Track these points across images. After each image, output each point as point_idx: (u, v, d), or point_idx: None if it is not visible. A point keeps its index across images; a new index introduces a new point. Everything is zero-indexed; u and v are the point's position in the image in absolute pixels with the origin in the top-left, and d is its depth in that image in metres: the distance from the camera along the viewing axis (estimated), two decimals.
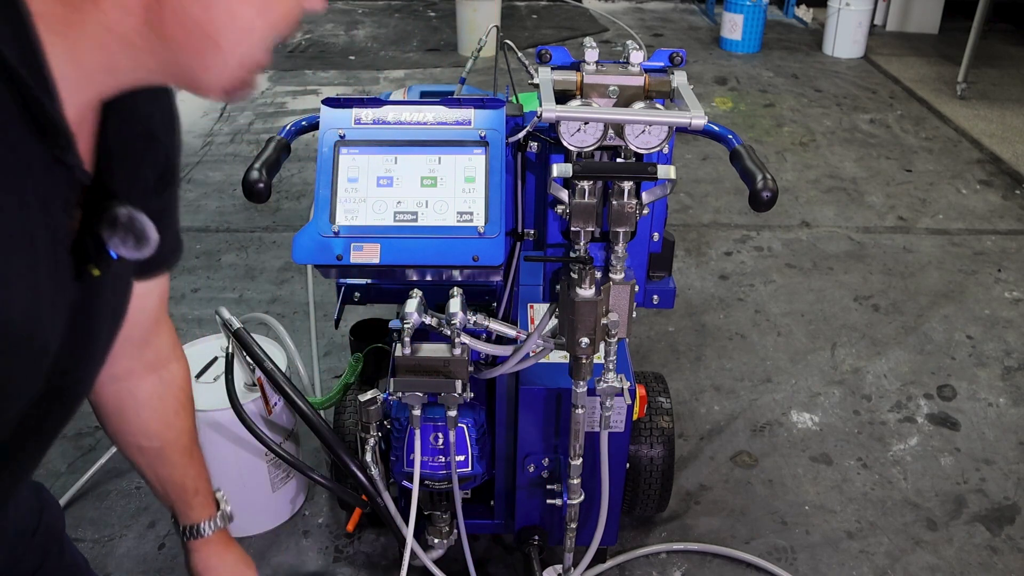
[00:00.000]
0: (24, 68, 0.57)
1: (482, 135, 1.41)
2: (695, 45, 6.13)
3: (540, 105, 1.38)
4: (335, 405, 1.99)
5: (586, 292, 1.37)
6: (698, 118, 1.35)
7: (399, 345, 1.43)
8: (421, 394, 1.47)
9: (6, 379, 0.65)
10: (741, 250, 3.43)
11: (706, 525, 2.15)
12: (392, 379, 1.46)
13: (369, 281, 1.83)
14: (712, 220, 3.66)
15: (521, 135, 1.53)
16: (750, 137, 4.51)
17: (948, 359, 2.81)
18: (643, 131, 1.42)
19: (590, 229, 1.50)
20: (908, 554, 2.10)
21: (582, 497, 1.67)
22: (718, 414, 2.54)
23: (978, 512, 2.22)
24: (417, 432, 1.55)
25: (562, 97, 1.46)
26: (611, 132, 1.47)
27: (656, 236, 1.72)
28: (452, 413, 1.51)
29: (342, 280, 1.84)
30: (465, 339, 1.43)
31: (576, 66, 1.55)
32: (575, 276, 1.37)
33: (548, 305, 1.48)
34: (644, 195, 1.47)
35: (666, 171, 1.39)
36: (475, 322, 1.41)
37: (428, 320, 1.41)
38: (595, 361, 1.49)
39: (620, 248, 1.46)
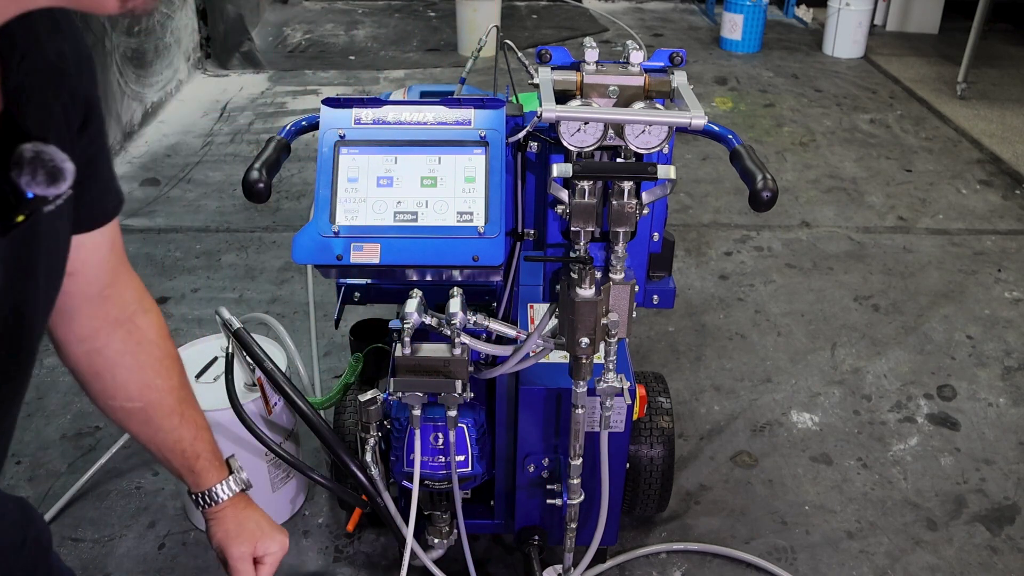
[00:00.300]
0: None
1: (482, 135, 1.41)
2: (695, 45, 6.13)
3: (540, 105, 1.38)
4: (335, 405, 1.99)
5: (586, 292, 1.37)
6: (698, 118, 1.35)
7: (399, 345, 1.43)
8: (421, 394, 1.47)
9: None
10: (741, 250, 3.43)
11: (706, 525, 2.15)
12: (392, 379, 1.46)
13: (369, 281, 1.83)
14: (712, 220, 3.66)
15: (521, 135, 1.53)
16: (750, 137, 4.51)
17: (948, 359, 2.81)
18: (643, 131, 1.42)
19: (590, 229, 1.50)
20: (908, 554, 2.10)
21: (582, 497, 1.67)
22: (718, 414, 2.54)
23: (978, 512, 2.22)
24: (417, 432, 1.55)
25: (562, 97, 1.46)
26: (611, 132, 1.47)
27: (656, 236, 1.72)
28: (452, 413, 1.52)
29: (342, 280, 1.83)
30: (465, 339, 1.43)
31: (576, 66, 1.55)
32: (575, 276, 1.37)
33: (548, 305, 1.48)
34: (644, 195, 1.47)
35: (666, 171, 1.39)
36: (475, 322, 1.41)
37: (428, 320, 1.41)
38: (595, 361, 1.49)
39: (620, 248, 1.46)
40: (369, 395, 1.55)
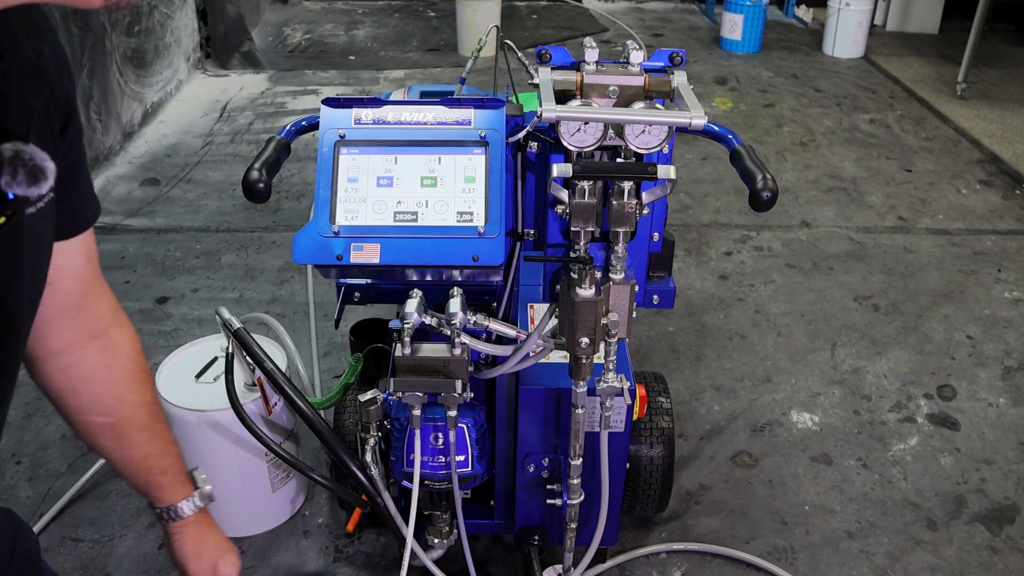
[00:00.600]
0: None
1: (482, 135, 1.41)
2: (695, 45, 6.13)
3: (540, 105, 1.38)
4: (335, 405, 1.99)
5: (586, 292, 1.37)
6: (698, 118, 1.35)
7: (399, 345, 1.43)
8: (421, 394, 1.47)
9: None
10: (741, 250, 3.43)
11: (706, 525, 2.15)
12: (392, 379, 1.46)
13: (369, 281, 1.83)
14: (712, 220, 3.66)
15: (521, 135, 1.53)
16: (750, 137, 4.51)
17: (948, 359, 2.81)
18: (643, 131, 1.42)
19: (590, 229, 1.50)
20: (908, 554, 2.09)
21: (582, 497, 1.67)
22: (718, 414, 2.54)
23: (978, 512, 2.22)
24: (417, 432, 1.55)
25: (562, 97, 1.46)
26: (611, 132, 1.47)
27: (656, 236, 1.72)
28: (452, 413, 1.52)
29: (342, 280, 1.83)
30: (465, 339, 1.43)
31: (576, 66, 1.55)
32: (575, 276, 1.37)
33: (548, 305, 1.48)
34: (644, 195, 1.47)
35: (666, 171, 1.39)
36: (475, 322, 1.41)
37: (428, 320, 1.41)
38: (595, 361, 1.49)
39: (620, 248, 1.46)
40: (369, 395, 1.55)
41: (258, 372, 1.69)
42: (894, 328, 2.95)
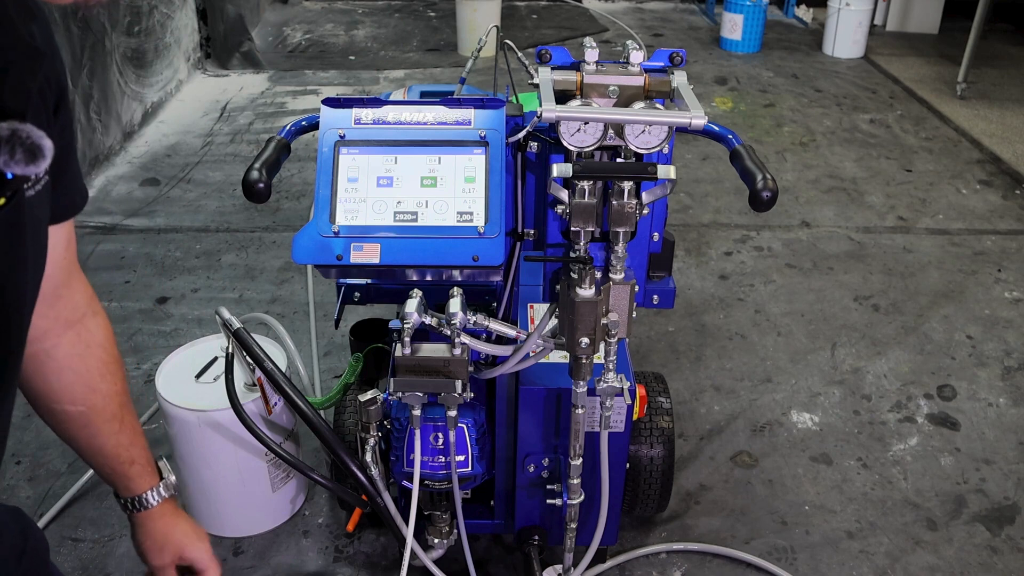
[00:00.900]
0: None
1: (482, 135, 1.41)
2: (695, 45, 6.13)
3: (540, 105, 1.38)
4: (335, 405, 1.99)
5: (586, 292, 1.37)
6: (698, 118, 1.35)
7: (399, 345, 1.43)
8: (421, 394, 1.47)
9: None
10: (741, 250, 3.43)
11: (706, 525, 2.15)
12: (392, 379, 1.46)
13: (369, 281, 1.83)
14: (712, 220, 3.66)
15: (521, 135, 1.53)
16: (750, 137, 4.51)
17: (948, 359, 2.81)
18: (643, 131, 1.42)
19: (590, 229, 1.50)
20: (908, 554, 2.10)
21: (582, 497, 1.67)
22: (718, 414, 2.54)
23: (978, 512, 2.22)
24: (417, 432, 1.55)
25: (562, 97, 1.46)
26: (611, 132, 1.47)
27: (656, 236, 1.72)
28: (452, 413, 1.52)
29: (342, 280, 1.84)
30: (465, 339, 1.43)
31: (576, 66, 1.55)
32: (575, 276, 1.37)
33: (548, 305, 1.48)
34: (644, 195, 1.47)
35: (666, 171, 1.39)
36: (475, 322, 1.41)
37: (428, 320, 1.41)
38: (595, 361, 1.49)
39: (620, 248, 1.46)
40: (369, 395, 1.55)
41: (258, 372, 1.69)
42: (894, 328, 2.95)
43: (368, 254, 1.36)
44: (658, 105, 1.48)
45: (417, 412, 1.51)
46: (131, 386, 1.69)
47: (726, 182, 3.96)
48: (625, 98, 1.50)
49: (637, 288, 1.46)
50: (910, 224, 3.67)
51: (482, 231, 1.37)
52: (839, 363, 2.78)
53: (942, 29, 6.37)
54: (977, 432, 2.49)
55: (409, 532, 1.52)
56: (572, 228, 1.50)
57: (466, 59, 2.40)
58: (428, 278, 1.47)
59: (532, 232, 1.69)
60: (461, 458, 1.62)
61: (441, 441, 1.60)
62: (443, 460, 1.62)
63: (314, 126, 1.60)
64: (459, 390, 1.46)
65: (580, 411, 1.53)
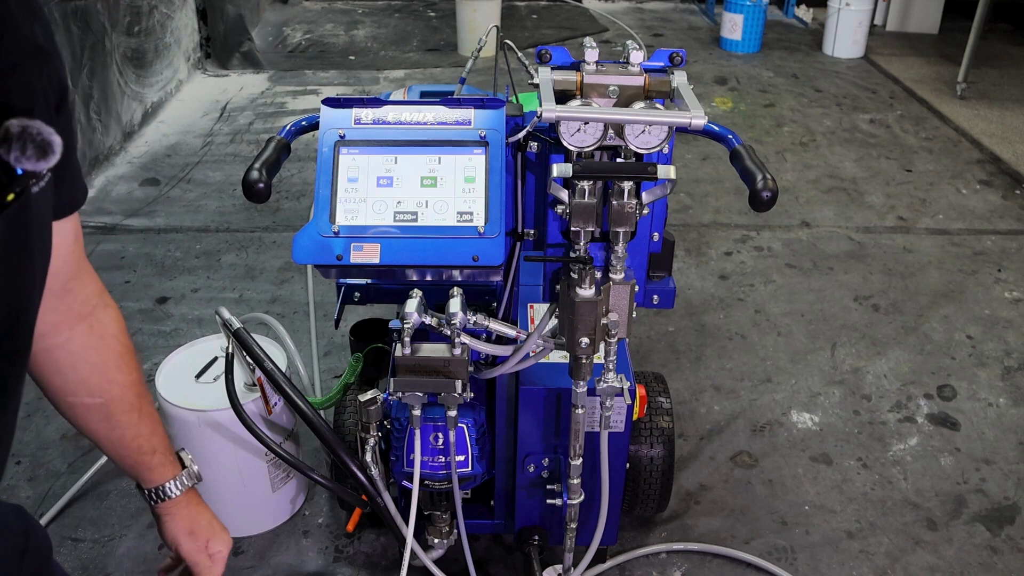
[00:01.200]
0: None
1: (482, 135, 1.41)
2: (695, 45, 6.13)
3: (540, 105, 1.38)
4: (335, 405, 1.99)
5: (586, 292, 1.37)
6: (698, 118, 1.35)
7: (399, 345, 1.43)
8: (421, 394, 1.47)
9: None
10: (741, 250, 3.43)
11: (706, 525, 2.15)
12: (392, 379, 1.46)
13: (369, 281, 1.83)
14: (712, 220, 3.66)
15: (521, 135, 1.53)
16: (750, 137, 4.51)
17: (948, 359, 2.81)
18: (643, 131, 1.42)
19: (590, 229, 1.50)
20: (908, 554, 2.10)
21: (582, 497, 1.67)
22: (718, 414, 2.54)
23: (978, 512, 2.22)
24: (417, 432, 1.55)
25: (562, 97, 1.46)
26: (611, 132, 1.47)
27: (656, 236, 1.72)
28: (452, 413, 1.52)
29: (342, 280, 1.84)
30: (465, 339, 1.43)
31: (576, 66, 1.55)
32: (575, 276, 1.37)
33: (548, 305, 1.48)
34: (644, 195, 1.47)
35: (666, 171, 1.39)
36: (475, 322, 1.41)
37: (428, 320, 1.41)
38: (595, 361, 1.49)
39: (620, 248, 1.46)
40: (369, 395, 1.55)
41: (258, 372, 1.69)
42: (894, 328, 2.95)
43: (368, 254, 1.36)
44: (658, 105, 1.48)
45: (417, 412, 1.51)
46: None
47: (726, 182, 3.96)
48: (625, 98, 1.50)
49: (637, 288, 1.46)
50: (910, 224, 3.67)
51: (482, 231, 1.37)
52: (839, 363, 2.78)
53: (942, 29, 6.37)
54: (977, 432, 2.49)
55: (409, 532, 1.52)
56: (572, 228, 1.50)
57: (466, 59, 2.40)
58: (428, 278, 1.47)
59: (532, 232, 1.69)
60: (461, 458, 1.62)
61: (441, 441, 1.60)
62: (443, 460, 1.62)
63: (314, 126, 1.60)
64: (459, 390, 1.46)
65: (580, 411, 1.53)
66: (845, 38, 5.83)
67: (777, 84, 5.35)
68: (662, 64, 1.56)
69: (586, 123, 1.43)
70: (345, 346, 2.71)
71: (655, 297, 1.85)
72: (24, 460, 2.30)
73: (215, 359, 2.04)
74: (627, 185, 1.44)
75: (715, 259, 3.36)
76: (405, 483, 1.62)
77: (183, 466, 1.19)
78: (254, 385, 1.90)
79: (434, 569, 1.75)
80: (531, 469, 1.74)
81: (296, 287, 3.12)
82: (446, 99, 1.44)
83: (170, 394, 1.93)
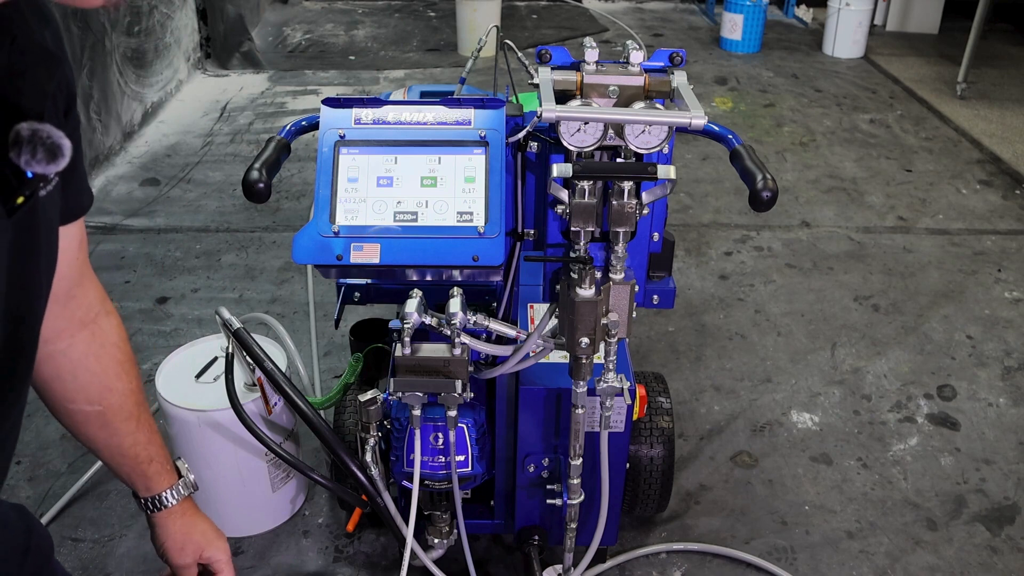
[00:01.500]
0: None
1: (482, 135, 1.41)
2: (695, 45, 6.13)
3: (540, 105, 1.38)
4: (335, 405, 1.99)
5: (586, 292, 1.37)
6: (698, 118, 1.35)
7: (399, 345, 1.43)
8: (421, 394, 1.47)
9: None
10: (741, 250, 3.43)
11: (706, 525, 2.15)
12: (392, 379, 1.46)
13: (369, 281, 1.83)
14: (712, 220, 3.66)
15: (521, 135, 1.53)
16: (750, 137, 4.51)
17: (948, 359, 2.81)
18: (643, 131, 1.42)
19: (590, 229, 1.50)
20: (908, 554, 2.10)
21: (582, 497, 1.67)
22: (718, 414, 2.54)
23: (978, 512, 2.22)
24: (417, 432, 1.55)
25: (562, 97, 1.46)
26: (611, 132, 1.47)
27: (656, 236, 1.72)
28: (452, 413, 1.52)
29: (342, 280, 1.84)
30: (465, 339, 1.43)
31: (576, 66, 1.55)
32: (575, 276, 1.37)
33: (548, 305, 1.48)
34: (644, 195, 1.47)
35: (666, 171, 1.39)
36: (475, 322, 1.41)
37: (428, 320, 1.41)
38: (595, 361, 1.49)
39: (620, 248, 1.46)
40: (369, 395, 1.55)
41: (258, 372, 1.69)
42: (894, 328, 2.95)
43: (368, 254, 1.36)
44: (658, 105, 1.48)
45: (417, 412, 1.51)
46: None
47: (726, 182, 3.96)
48: (625, 98, 1.50)
49: (637, 288, 1.46)
50: (910, 224, 3.67)
51: (482, 231, 1.37)
52: (839, 363, 2.78)
53: (942, 29, 6.37)
54: (977, 432, 2.49)
55: (409, 532, 1.52)
56: (572, 228, 1.50)
57: (466, 59, 2.40)
58: (428, 278, 1.47)
59: (532, 232, 1.69)
60: (461, 458, 1.62)
61: (441, 441, 1.60)
62: (443, 460, 1.62)
63: (314, 126, 1.60)
64: (459, 390, 1.46)
65: (580, 411, 1.53)
66: (845, 38, 5.83)
67: (777, 84, 5.35)
68: (662, 64, 1.56)
69: (586, 123, 1.43)
70: (345, 346, 2.71)
71: (655, 297, 1.85)
72: (24, 460, 2.30)
73: (215, 359, 2.04)
74: (627, 185, 1.44)
75: (715, 259, 3.36)
76: (405, 483, 1.62)
77: (179, 475, 1.19)
78: (254, 385, 1.90)
79: (434, 569, 1.75)
80: (531, 469, 1.74)
81: (296, 287, 3.12)
82: (446, 99, 1.44)
83: (170, 394, 1.93)
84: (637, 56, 1.50)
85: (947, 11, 6.35)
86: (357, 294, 1.84)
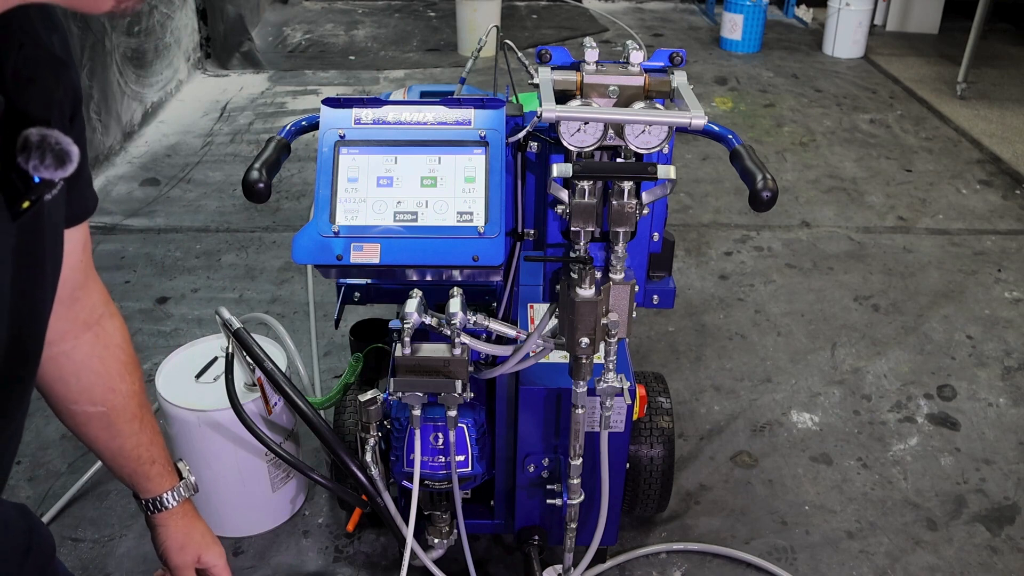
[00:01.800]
0: None
1: (482, 135, 1.41)
2: (695, 45, 6.13)
3: (540, 105, 1.38)
4: (335, 405, 1.99)
5: (586, 292, 1.37)
6: (698, 118, 1.35)
7: (399, 345, 1.43)
8: (421, 394, 1.47)
9: None
10: (741, 250, 3.43)
11: (706, 525, 2.15)
12: (392, 379, 1.46)
13: (369, 281, 1.83)
14: (712, 220, 3.66)
15: (521, 135, 1.53)
16: (750, 137, 4.51)
17: (948, 359, 2.81)
18: (643, 131, 1.42)
19: (590, 229, 1.50)
20: (908, 554, 2.10)
21: (582, 497, 1.67)
22: (718, 414, 2.54)
23: (978, 512, 2.22)
24: (417, 432, 1.55)
25: (562, 97, 1.46)
26: (611, 132, 1.47)
27: (656, 236, 1.72)
28: (452, 413, 1.52)
29: (342, 280, 1.84)
30: (465, 339, 1.43)
31: (576, 66, 1.55)
32: (575, 276, 1.37)
33: (548, 305, 1.48)
34: (644, 195, 1.47)
35: (666, 171, 1.39)
36: (475, 322, 1.41)
37: (428, 320, 1.41)
38: (595, 361, 1.49)
39: (620, 248, 1.46)
40: (369, 395, 1.55)
41: (258, 372, 1.69)
42: (894, 328, 2.95)
43: (368, 254, 1.36)
44: (658, 105, 1.48)
45: (417, 412, 1.51)
46: None
47: (726, 182, 3.96)
48: (625, 98, 1.50)
49: (637, 288, 1.46)
50: (910, 224, 3.67)
51: (482, 231, 1.37)
52: (839, 363, 2.78)
53: (942, 29, 6.37)
54: (977, 432, 2.49)
55: (409, 532, 1.52)
56: (572, 228, 1.50)
57: (466, 59, 2.40)
58: (428, 278, 1.47)
59: (532, 232, 1.69)
60: (461, 458, 1.62)
61: (441, 441, 1.60)
62: (443, 460, 1.62)
63: (314, 126, 1.60)
64: (459, 390, 1.46)
65: (580, 411, 1.53)
66: (845, 38, 5.83)
67: (777, 84, 5.35)
68: (662, 64, 1.56)
69: (586, 123, 1.43)
70: (345, 346, 2.71)
71: (655, 297, 1.85)
72: (24, 460, 2.30)
73: (215, 359, 2.04)
74: (627, 185, 1.44)
75: (715, 259, 3.36)
76: (405, 483, 1.62)
77: (180, 477, 1.20)
78: (254, 385, 1.90)
79: (434, 569, 1.75)
80: (531, 469, 1.74)
81: (296, 287, 3.12)
82: (446, 99, 1.44)
83: (170, 394, 1.93)
84: (637, 56, 1.50)
85: (947, 11, 6.35)
86: (357, 294, 1.84)
